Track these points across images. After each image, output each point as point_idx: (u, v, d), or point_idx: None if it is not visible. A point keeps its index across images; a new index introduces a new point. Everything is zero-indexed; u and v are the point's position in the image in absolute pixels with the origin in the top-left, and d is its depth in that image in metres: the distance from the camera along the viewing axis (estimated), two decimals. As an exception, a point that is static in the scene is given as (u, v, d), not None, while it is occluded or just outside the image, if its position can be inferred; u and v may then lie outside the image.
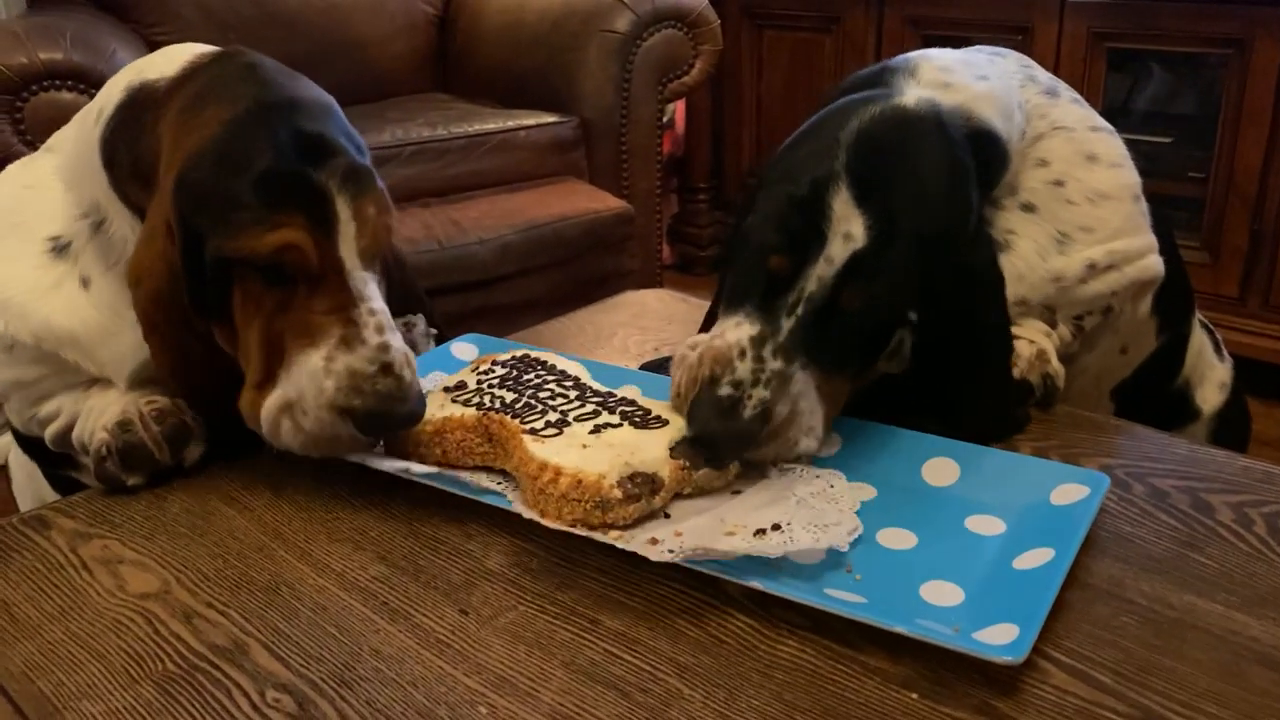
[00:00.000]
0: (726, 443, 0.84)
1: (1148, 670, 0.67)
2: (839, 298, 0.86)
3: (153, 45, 2.24)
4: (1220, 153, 2.38)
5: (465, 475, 0.86)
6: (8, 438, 1.23)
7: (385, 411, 0.84)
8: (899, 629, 0.66)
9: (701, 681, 0.67)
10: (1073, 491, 0.82)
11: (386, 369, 0.84)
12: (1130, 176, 1.07)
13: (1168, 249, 1.11)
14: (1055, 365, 1.01)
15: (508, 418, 0.86)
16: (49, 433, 1.00)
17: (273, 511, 0.88)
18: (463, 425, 0.87)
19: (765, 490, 0.84)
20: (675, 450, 0.82)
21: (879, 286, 0.86)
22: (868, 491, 0.86)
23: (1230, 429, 1.31)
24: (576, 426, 0.85)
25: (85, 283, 0.95)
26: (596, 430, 0.85)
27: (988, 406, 0.97)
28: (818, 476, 0.85)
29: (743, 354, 0.85)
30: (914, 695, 0.65)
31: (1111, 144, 1.07)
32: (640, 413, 0.88)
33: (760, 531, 0.76)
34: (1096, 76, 2.51)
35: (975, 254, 0.93)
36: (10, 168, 1.04)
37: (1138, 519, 0.83)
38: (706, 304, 1.34)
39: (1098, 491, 0.81)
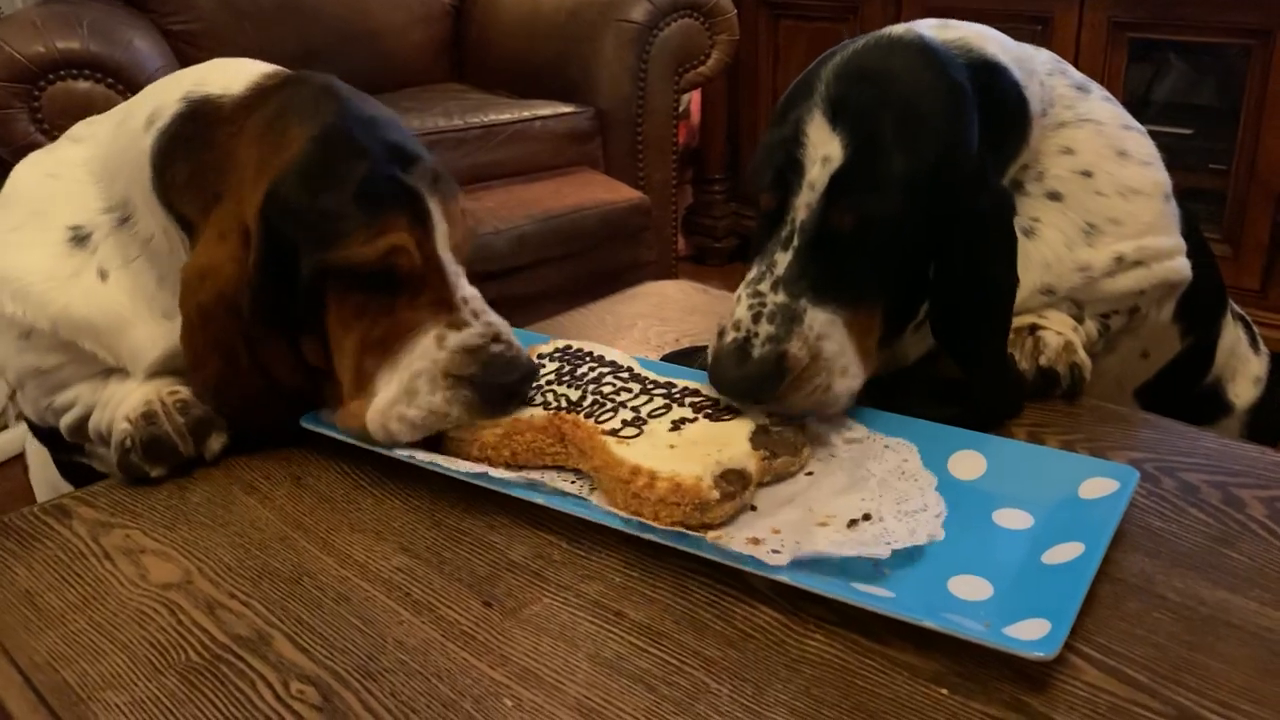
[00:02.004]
0: (747, 389, 0.83)
1: (1182, 668, 0.66)
2: (829, 222, 0.85)
3: (170, 35, 2.25)
4: (1242, 144, 2.36)
5: (536, 475, 0.84)
6: (24, 427, 1.23)
7: (502, 374, 0.87)
8: (928, 624, 0.66)
9: (728, 675, 0.66)
10: (1102, 485, 0.81)
11: (496, 338, 0.88)
12: (1161, 175, 1.06)
13: (1198, 251, 1.10)
14: (1082, 356, 1.00)
15: (582, 418, 0.85)
16: (65, 421, 1.00)
17: (294, 502, 0.87)
18: (532, 426, 0.86)
19: (840, 470, 0.84)
20: (754, 440, 0.83)
21: (867, 199, 0.85)
22: (978, 466, 0.85)
23: (1266, 423, 1.29)
24: (654, 424, 0.85)
25: (103, 275, 0.95)
26: (675, 427, 0.84)
27: (993, 380, 0.96)
28: (886, 447, 0.85)
29: (739, 300, 0.85)
30: (944, 690, 0.64)
31: (1143, 143, 1.06)
32: (710, 403, 0.88)
33: (853, 522, 0.77)
34: (1117, 67, 2.49)
35: (985, 200, 0.90)
36: (33, 156, 1.04)
37: (1168, 514, 0.82)
38: (727, 295, 1.33)
39: (1127, 485, 0.80)
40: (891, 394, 0.94)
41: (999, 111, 0.95)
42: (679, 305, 1.30)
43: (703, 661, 0.67)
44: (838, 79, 0.87)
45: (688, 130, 3.31)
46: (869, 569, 0.74)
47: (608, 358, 0.97)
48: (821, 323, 0.85)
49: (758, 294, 0.85)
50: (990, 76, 0.94)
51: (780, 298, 0.84)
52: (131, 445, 0.90)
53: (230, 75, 0.94)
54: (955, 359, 0.96)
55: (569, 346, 1.00)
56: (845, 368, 0.86)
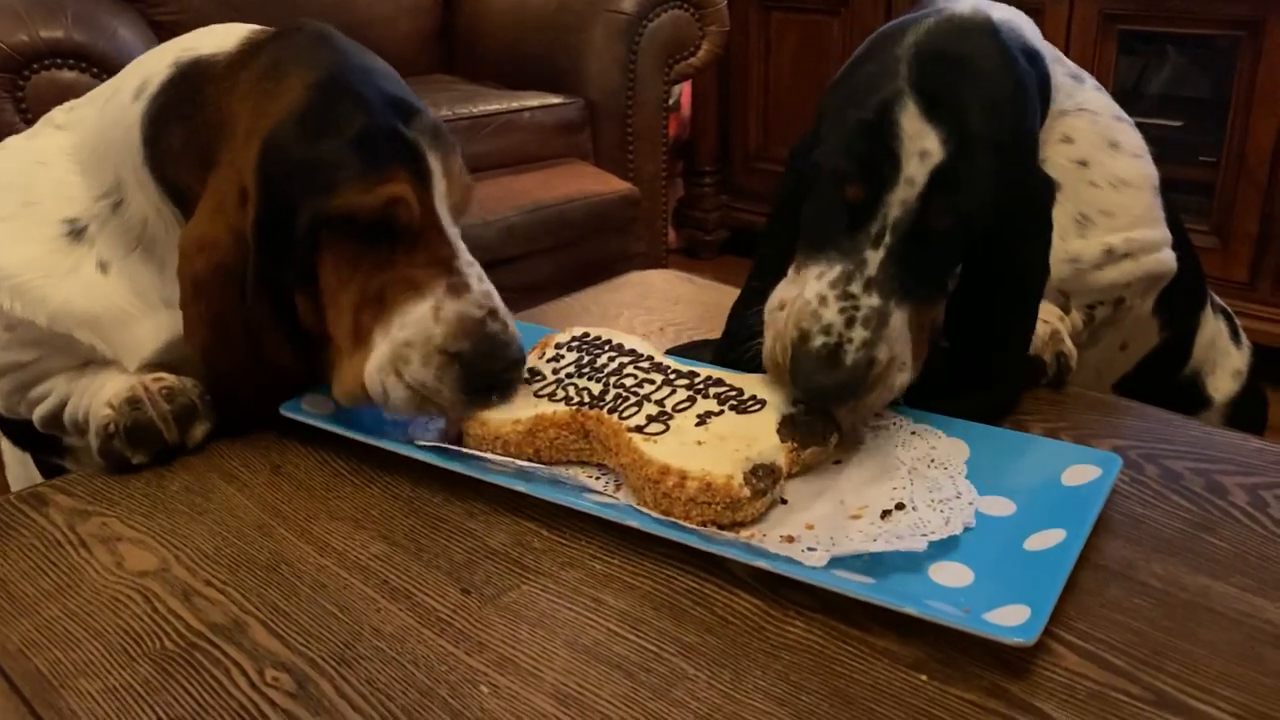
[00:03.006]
0: (836, 395, 0.81)
1: (1161, 653, 0.65)
2: (926, 221, 0.82)
3: (156, 25, 2.23)
4: (1231, 136, 2.36)
5: (561, 472, 0.83)
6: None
7: (489, 359, 0.85)
8: (908, 610, 0.65)
9: (706, 662, 0.66)
10: (1084, 472, 0.80)
11: (493, 314, 0.86)
12: (1151, 169, 1.06)
13: (1181, 244, 1.10)
14: (1069, 345, 1.00)
15: (605, 414, 0.84)
16: (39, 413, 0.98)
17: (273, 490, 0.87)
18: (555, 423, 0.85)
19: (869, 458, 0.84)
20: (782, 432, 0.81)
21: (965, 198, 0.82)
22: (962, 448, 0.85)
23: (1244, 417, 1.29)
24: (680, 419, 0.83)
25: (103, 267, 0.94)
26: (701, 421, 0.83)
27: (1014, 368, 0.95)
28: (913, 433, 0.85)
29: (824, 300, 0.82)
30: (923, 677, 0.64)
31: (1133, 135, 1.06)
32: (734, 393, 0.86)
33: (886, 512, 0.76)
34: (1107, 59, 2.49)
35: (1036, 187, 0.90)
36: (11, 142, 1.02)
37: (1150, 500, 0.82)
38: (713, 284, 1.33)
39: (1110, 472, 0.80)
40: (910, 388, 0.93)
41: (1040, 94, 0.94)
42: (664, 295, 1.30)
43: (681, 648, 0.67)
44: (920, 64, 0.83)
45: (678, 123, 3.30)
46: (849, 555, 0.73)
47: (627, 346, 0.95)
48: (899, 323, 0.83)
49: (849, 295, 0.82)
50: (1032, 65, 0.93)
51: (874, 300, 0.81)
52: (115, 430, 0.89)
53: (221, 36, 0.92)
54: (973, 346, 0.94)
55: (586, 334, 0.97)
56: (905, 363, 0.85)
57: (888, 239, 0.83)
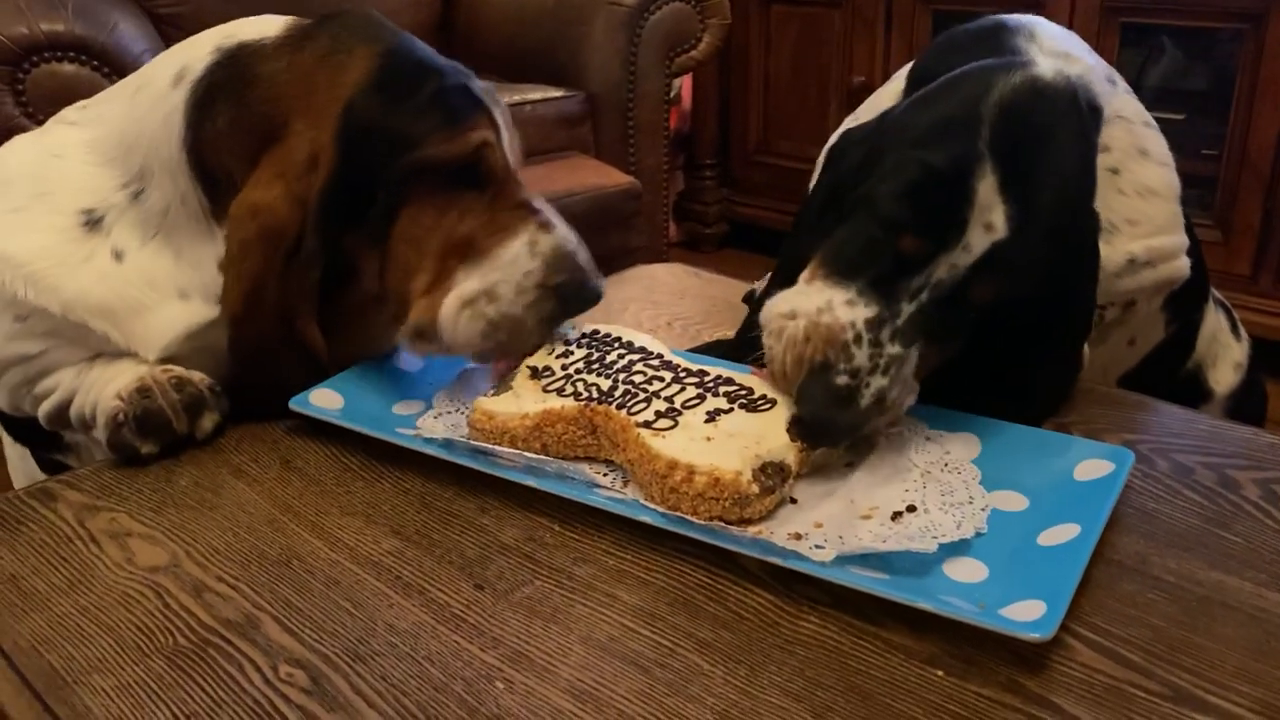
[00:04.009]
0: (839, 433, 0.81)
1: (1178, 648, 0.65)
2: (969, 289, 0.81)
3: (157, 18, 2.23)
4: (1234, 129, 2.35)
5: (570, 467, 0.83)
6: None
7: (585, 284, 0.92)
8: (923, 605, 0.65)
9: (722, 658, 0.66)
10: (1097, 467, 0.80)
11: (578, 249, 0.93)
12: (1175, 178, 1.06)
13: (1189, 241, 1.10)
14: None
15: (614, 409, 0.83)
16: (45, 408, 0.98)
17: (283, 485, 0.86)
18: (563, 418, 0.84)
19: (881, 460, 0.83)
20: (791, 431, 0.81)
21: (1015, 281, 0.81)
22: (974, 448, 0.85)
23: (1245, 409, 1.29)
24: (689, 415, 0.82)
25: (119, 255, 0.94)
26: (711, 418, 0.82)
27: (1063, 385, 0.95)
28: (927, 438, 0.84)
29: (859, 339, 0.81)
30: (939, 672, 0.64)
31: (1161, 142, 1.06)
32: (744, 393, 0.85)
33: (897, 514, 0.76)
34: (1109, 52, 2.48)
35: (1086, 227, 0.90)
36: (23, 138, 1.02)
37: (1162, 495, 0.82)
38: (719, 278, 1.33)
39: (1123, 467, 0.79)
40: (941, 390, 0.93)
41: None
42: (670, 289, 1.29)
43: (696, 644, 0.67)
44: (1005, 128, 0.80)
45: (679, 116, 3.29)
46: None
47: (637, 343, 0.94)
48: (913, 363, 0.83)
49: (878, 343, 0.80)
50: (1094, 117, 0.93)
51: (896, 349, 0.81)
52: (125, 419, 0.89)
53: (260, 24, 0.96)
54: (1011, 366, 0.92)
55: (596, 331, 0.97)
56: (914, 389, 0.84)
57: (924, 296, 0.81)
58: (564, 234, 0.92)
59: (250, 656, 0.67)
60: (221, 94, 0.91)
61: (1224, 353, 1.30)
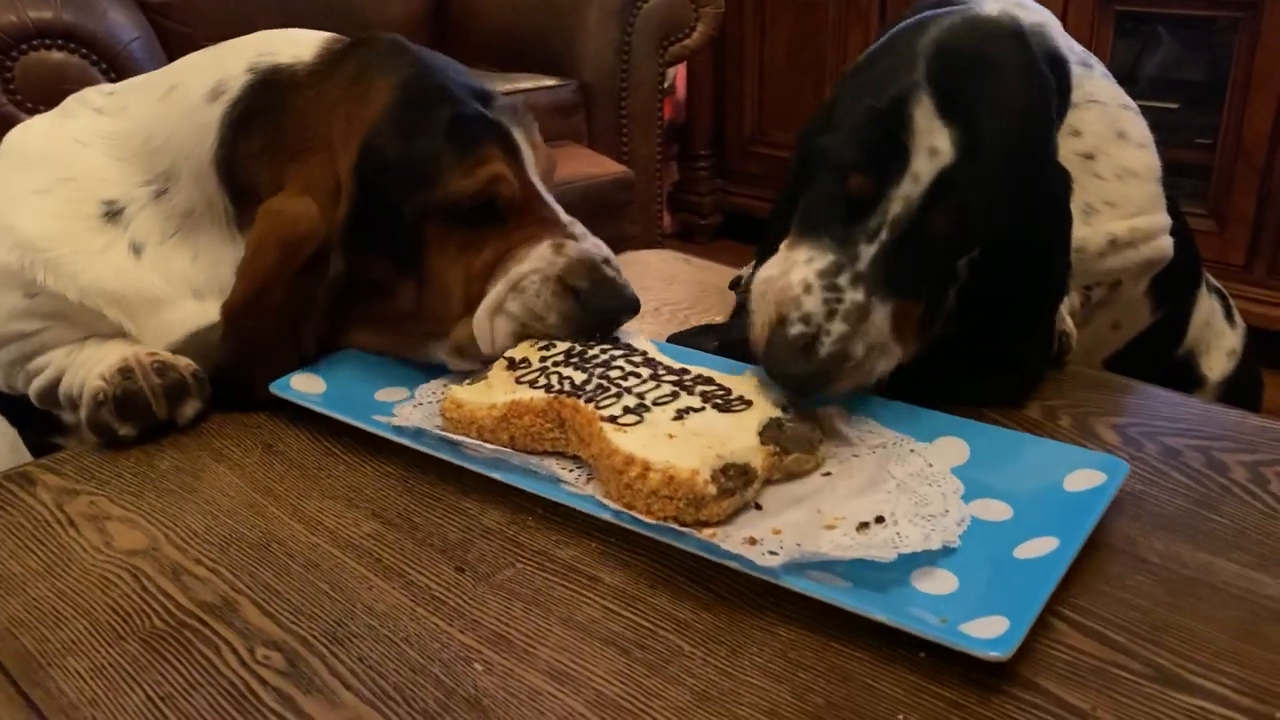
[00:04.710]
0: (804, 386, 0.80)
1: (1163, 629, 0.65)
2: (925, 221, 0.81)
3: (146, 7, 2.21)
4: (1228, 118, 2.35)
5: (534, 461, 0.80)
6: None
7: (610, 298, 0.90)
8: (880, 617, 0.62)
9: (703, 639, 0.65)
10: (1088, 477, 0.76)
11: (607, 261, 0.91)
12: (1155, 159, 1.06)
13: (1175, 224, 1.09)
14: (1069, 325, 0.99)
15: (581, 403, 0.80)
16: (35, 386, 0.98)
17: (264, 469, 0.86)
18: (531, 410, 0.81)
19: (860, 471, 0.79)
20: (764, 435, 0.77)
21: (968, 207, 0.81)
22: (961, 455, 0.81)
23: (1239, 396, 1.29)
24: (657, 412, 0.79)
25: (137, 250, 0.94)
26: (679, 416, 0.78)
27: (1039, 354, 0.94)
28: (912, 451, 0.80)
29: (809, 289, 0.81)
30: (921, 654, 0.63)
31: (1139, 123, 1.06)
32: (721, 393, 0.81)
33: (863, 525, 0.71)
34: (1104, 41, 2.48)
35: (1055, 184, 0.89)
36: (47, 118, 1.02)
37: (1150, 478, 0.81)
38: (709, 265, 1.32)
39: (1114, 479, 0.75)
40: (919, 374, 0.92)
41: (1060, 99, 0.93)
42: (660, 274, 1.28)
43: (677, 625, 0.66)
44: (941, 62, 0.81)
45: (674, 106, 3.28)
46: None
47: (623, 339, 0.91)
48: (880, 318, 0.81)
49: (835, 288, 0.80)
50: (1059, 72, 0.92)
51: (858, 296, 0.80)
52: (104, 399, 0.88)
53: (296, 43, 0.96)
54: (990, 334, 0.92)
55: None
56: (886, 348, 0.83)
57: (884, 235, 0.81)
58: (592, 244, 0.92)
59: (227, 639, 0.66)
60: (256, 119, 0.92)
61: (1217, 340, 1.30)
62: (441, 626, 0.67)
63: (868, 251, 0.81)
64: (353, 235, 0.90)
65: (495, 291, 0.90)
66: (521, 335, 0.90)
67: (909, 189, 0.80)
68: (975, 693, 0.60)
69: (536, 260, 0.90)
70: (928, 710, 0.59)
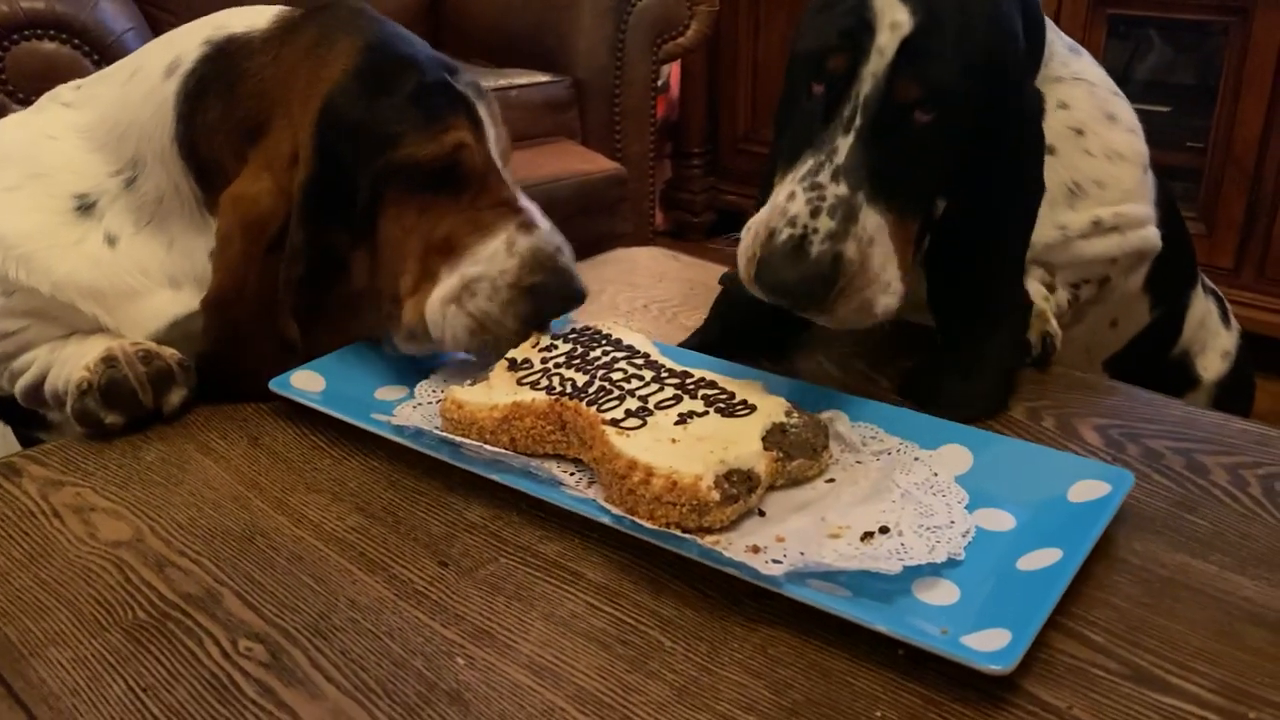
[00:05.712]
0: (803, 292, 0.79)
1: (1140, 629, 0.65)
2: (895, 92, 0.81)
3: (138, -3, 2.20)
4: (1219, 122, 2.36)
5: (535, 464, 0.80)
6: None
7: (565, 287, 0.91)
8: (881, 628, 0.62)
9: (683, 635, 0.65)
10: (1093, 488, 0.75)
11: (560, 250, 0.92)
12: (1143, 145, 1.06)
13: (1172, 222, 1.10)
14: (1054, 325, 1.00)
15: (584, 405, 0.79)
16: (20, 385, 0.98)
17: (250, 462, 0.86)
18: (533, 412, 0.81)
19: (864, 479, 0.78)
20: (768, 440, 0.76)
21: (933, 69, 0.81)
22: (965, 463, 0.80)
23: (1232, 397, 1.29)
24: (660, 416, 0.78)
25: (111, 241, 0.94)
26: (682, 420, 0.78)
27: (1013, 297, 0.93)
28: (916, 459, 0.79)
29: (792, 196, 0.81)
30: (900, 652, 0.63)
31: (1128, 110, 1.06)
32: (724, 397, 0.81)
33: (868, 535, 0.71)
34: (1096, 44, 2.48)
35: (1028, 99, 0.89)
36: (17, 116, 1.02)
37: (1131, 479, 0.82)
38: (698, 262, 1.32)
39: (1119, 490, 0.75)
40: (918, 377, 0.93)
41: (1030, 29, 0.93)
42: (649, 272, 1.29)
43: (658, 620, 0.67)
44: None
45: (667, 104, 3.28)
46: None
47: (625, 341, 0.91)
48: (873, 225, 0.80)
49: (816, 185, 0.80)
50: (1025, 14, 0.92)
51: (841, 189, 0.79)
52: (89, 389, 0.88)
53: (250, 15, 0.95)
54: (957, 291, 0.92)
55: (588, 328, 0.93)
56: (888, 283, 0.82)
57: (858, 120, 0.82)
58: (545, 234, 0.92)
59: (209, 630, 0.66)
60: (211, 88, 0.91)
61: (1213, 340, 1.30)
62: (424, 620, 0.67)
63: (845, 143, 0.82)
64: (311, 201, 0.88)
65: (449, 283, 0.90)
66: (477, 333, 0.90)
67: (876, 63, 0.82)
68: (952, 690, 0.61)
69: (489, 261, 0.89)
70: (905, 707, 0.60)
